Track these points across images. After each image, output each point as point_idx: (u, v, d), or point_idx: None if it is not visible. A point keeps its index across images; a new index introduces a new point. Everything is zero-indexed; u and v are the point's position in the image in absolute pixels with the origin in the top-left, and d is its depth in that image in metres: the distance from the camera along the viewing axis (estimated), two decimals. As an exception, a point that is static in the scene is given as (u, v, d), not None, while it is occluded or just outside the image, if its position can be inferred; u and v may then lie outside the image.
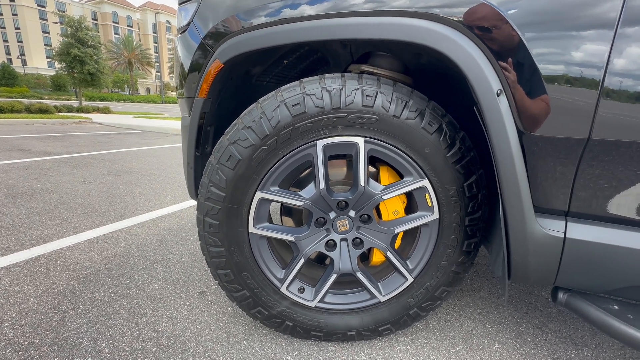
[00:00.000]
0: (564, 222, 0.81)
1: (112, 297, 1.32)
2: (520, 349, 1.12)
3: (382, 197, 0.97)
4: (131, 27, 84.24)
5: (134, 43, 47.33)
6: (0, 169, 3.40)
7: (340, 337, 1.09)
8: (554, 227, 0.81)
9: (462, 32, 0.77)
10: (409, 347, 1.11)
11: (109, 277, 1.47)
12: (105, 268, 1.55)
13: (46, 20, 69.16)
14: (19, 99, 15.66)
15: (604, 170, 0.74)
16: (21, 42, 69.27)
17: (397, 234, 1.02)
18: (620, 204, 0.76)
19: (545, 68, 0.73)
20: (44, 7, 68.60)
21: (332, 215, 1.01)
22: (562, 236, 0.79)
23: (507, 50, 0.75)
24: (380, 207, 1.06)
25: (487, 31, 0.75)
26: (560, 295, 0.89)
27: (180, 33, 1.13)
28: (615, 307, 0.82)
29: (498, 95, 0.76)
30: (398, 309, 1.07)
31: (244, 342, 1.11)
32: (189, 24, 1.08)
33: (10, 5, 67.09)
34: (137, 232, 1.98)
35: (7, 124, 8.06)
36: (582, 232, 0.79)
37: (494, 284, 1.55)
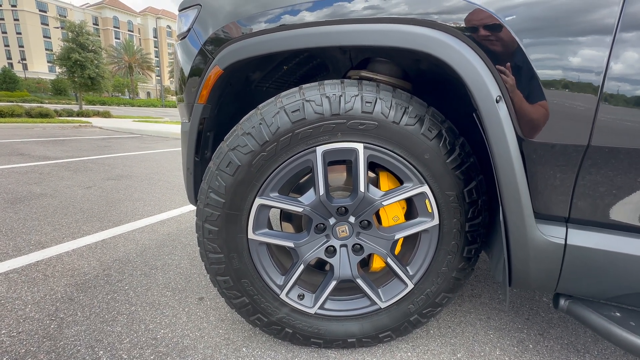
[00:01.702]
0: (565, 228, 0.80)
1: (110, 304, 1.31)
2: (521, 356, 1.11)
3: (382, 203, 0.96)
4: (132, 31, 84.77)
5: (135, 47, 47.54)
6: (-1, 173, 3.40)
7: (340, 344, 1.08)
8: (554, 234, 0.80)
9: (461, 38, 0.77)
10: (409, 353, 1.10)
11: (108, 283, 1.46)
12: (103, 274, 1.54)
13: (47, 25, 69.58)
14: (20, 103, 15.71)
15: (604, 177, 0.74)
16: (22, 46, 69.63)
17: (397, 240, 1.02)
18: (621, 211, 0.76)
19: (544, 74, 0.73)
20: (45, 12, 69.05)
21: (332, 221, 1.00)
22: (563, 243, 0.79)
23: (505, 56, 0.75)
24: (380, 213, 1.06)
25: (486, 38, 0.76)
26: (562, 301, 0.88)
27: (181, 39, 1.14)
28: (617, 314, 0.81)
29: (497, 101, 0.76)
30: (398, 316, 1.07)
31: (244, 349, 1.10)
32: (189, 30, 1.08)
33: (12, 10, 67.53)
34: (136, 238, 1.97)
35: (7, 128, 8.07)
36: (583, 238, 0.78)
37: (495, 290, 1.54)
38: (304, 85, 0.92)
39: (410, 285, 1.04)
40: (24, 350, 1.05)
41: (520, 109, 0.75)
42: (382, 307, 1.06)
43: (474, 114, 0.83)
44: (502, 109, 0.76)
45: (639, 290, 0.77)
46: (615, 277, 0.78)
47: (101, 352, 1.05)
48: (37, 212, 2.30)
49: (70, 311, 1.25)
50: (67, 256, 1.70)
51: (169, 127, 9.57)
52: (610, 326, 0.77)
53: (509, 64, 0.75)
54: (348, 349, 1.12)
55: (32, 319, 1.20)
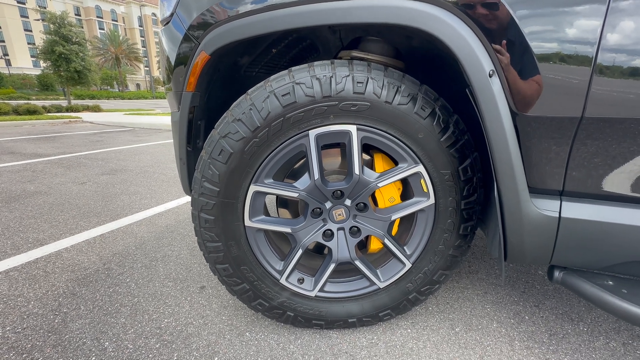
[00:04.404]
0: (559, 201, 0.81)
1: (112, 297, 1.32)
2: (518, 327, 1.14)
3: (378, 184, 0.96)
4: (116, 21, 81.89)
5: (120, 38, 46.08)
6: (-9, 173, 3.35)
7: (341, 324, 1.11)
8: (548, 207, 0.81)
9: (452, 12, 0.75)
10: (409, 330, 1.13)
11: (109, 276, 1.47)
12: (104, 268, 1.55)
13: (27, 17, 66.97)
14: (6, 101, 15.30)
15: (597, 148, 0.74)
16: (3, 41, 67.17)
17: (394, 220, 1.02)
18: (614, 181, 0.76)
19: (537, 46, 0.71)
20: (24, 3, 66.31)
21: (328, 205, 1.00)
22: (557, 216, 0.80)
23: (498, 29, 0.73)
24: (376, 194, 1.06)
25: (478, 10, 0.73)
26: (556, 273, 0.90)
27: (164, 25, 1.09)
28: (610, 282, 0.83)
29: (490, 76, 0.75)
30: (397, 294, 1.09)
31: (247, 334, 1.12)
32: (172, 14, 1.04)
33: (-11, 3, 64.71)
34: (135, 231, 1.97)
35: (-5, 127, 7.91)
36: (576, 210, 0.79)
37: (492, 265, 1.57)
38: (293, 68, 0.90)
39: (408, 265, 1.05)
40: (30, 345, 1.06)
41: (514, 83, 0.74)
42: (381, 287, 1.08)
43: (467, 90, 0.82)
44: (496, 84, 0.75)
45: (632, 258, 0.79)
46: (609, 247, 0.79)
47: (107, 343, 1.07)
48: (32, 210, 2.29)
49: (73, 305, 1.26)
50: (67, 252, 1.70)
51: (161, 119, 9.41)
52: (604, 294, 0.79)
53: (502, 37, 0.73)
54: (349, 329, 1.14)
55: (36, 314, 1.21)
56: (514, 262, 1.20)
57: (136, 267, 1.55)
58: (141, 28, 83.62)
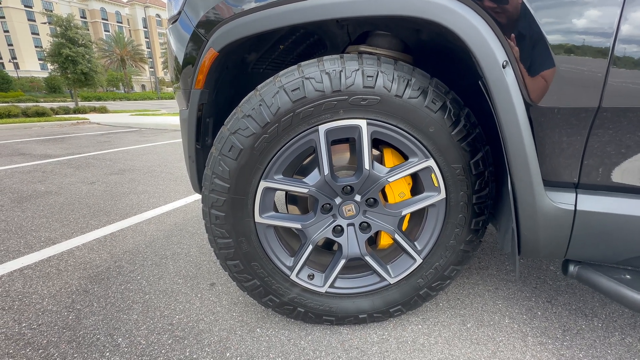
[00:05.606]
0: (574, 194, 0.79)
1: (124, 294, 1.34)
2: (530, 323, 1.13)
3: (388, 179, 0.95)
4: (121, 23, 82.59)
5: (125, 39, 46.44)
6: (3, 174, 3.41)
7: (352, 320, 1.10)
8: (564, 200, 0.79)
9: (464, 2, 0.74)
10: (420, 326, 1.13)
11: (120, 274, 1.49)
12: (115, 265, 1.56)
13: (34, 21, 67.82)
14: (15, 104, 15.53)
15: (614, 139, 0.72)
16: (11, 45, 68.16)
17: (404, 216, 1.02)
18: (631, 173, 0.75)
19: (552, 37, 0.70)
20: (30, 7, 67.16)
21: (338, 200, 1.00)
22: (573, 209, 0.78)
23: (512, 19, 0.72)
24: (386, 189, 1.05)
25: (490, 1, 0.72)
26: (571, 267, 0.88)
27: (172, 23, 1.10)
28: (627, 276, 0.82)
29: (504, 67, 0.73)
30: (408, 290, 1.08)
31: (258, 329, 1.13)
32: (179, 13, 1.04)
33: (-3, 7, 65.68)
34: (144, 229, 1.99)
35: (5, 129, 8.04)
36: (592, 203, 0.78)
37: (502, 261, 1.55)
38: (302, 63, 0.90)
39: (419, 260, 1.04)
40: (45, 341, 1.08)
41: (529, 74, 0.73)
42: (391, 283, 1.07)
43: (479, 82, 0.81)
44: (509, 75, 0.74)
45: (650, 252, 0.77)
46: (626, 240, 0.77)
47: (120, 339, 1.08)
48: (44, 210, 2.32)
49: (86, 302, 1.28)
50: (78, 250, 1.72)
51: (167, 119, 9.48)
52: (621, 288, 0.78)
53: (516, 27, 0.72)
54: (360, 325, 1.14)
55: (50, 311, 1.23)
56: (527, 257, 1.19)
57: (146, 265, 1.57)
58: (145, 29, 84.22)
